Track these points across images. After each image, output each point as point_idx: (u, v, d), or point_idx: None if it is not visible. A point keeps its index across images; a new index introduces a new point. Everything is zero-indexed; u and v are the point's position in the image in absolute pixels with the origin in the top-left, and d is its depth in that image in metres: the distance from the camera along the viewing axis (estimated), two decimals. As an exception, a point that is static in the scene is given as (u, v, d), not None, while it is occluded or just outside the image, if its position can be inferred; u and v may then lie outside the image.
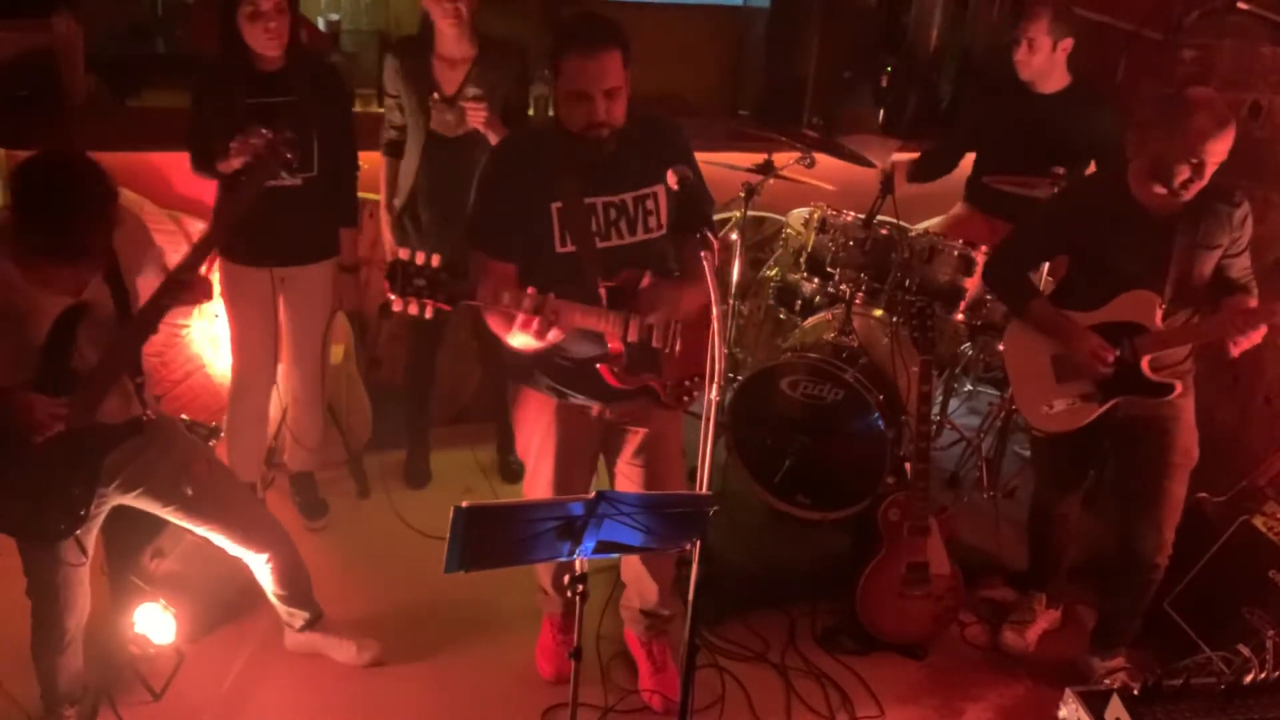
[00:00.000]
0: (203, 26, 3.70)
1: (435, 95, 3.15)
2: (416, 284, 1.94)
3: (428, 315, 1.97)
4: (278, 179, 2.58)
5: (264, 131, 2.65)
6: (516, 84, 3.27)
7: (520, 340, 2.16)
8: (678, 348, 2.40)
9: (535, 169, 2.29)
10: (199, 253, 2.34)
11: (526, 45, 3.43)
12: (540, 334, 2.11)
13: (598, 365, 2.34)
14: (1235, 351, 2.60)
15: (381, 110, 3.90)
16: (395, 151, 3.33)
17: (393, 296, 1.93)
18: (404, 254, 1.93)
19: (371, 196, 3.71)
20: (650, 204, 2.37)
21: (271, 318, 3.13)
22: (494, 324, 2.23)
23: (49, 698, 2.51)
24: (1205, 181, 2.52)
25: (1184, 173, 2.50)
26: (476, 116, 3.07)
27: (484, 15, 3.14)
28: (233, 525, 2.56)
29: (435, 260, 1.94)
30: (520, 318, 2.10)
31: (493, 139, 3.16)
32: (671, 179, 2.16)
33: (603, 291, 2.28)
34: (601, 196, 2.31)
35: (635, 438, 2.58)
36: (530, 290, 2.11)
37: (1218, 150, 2.49)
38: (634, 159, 2.29)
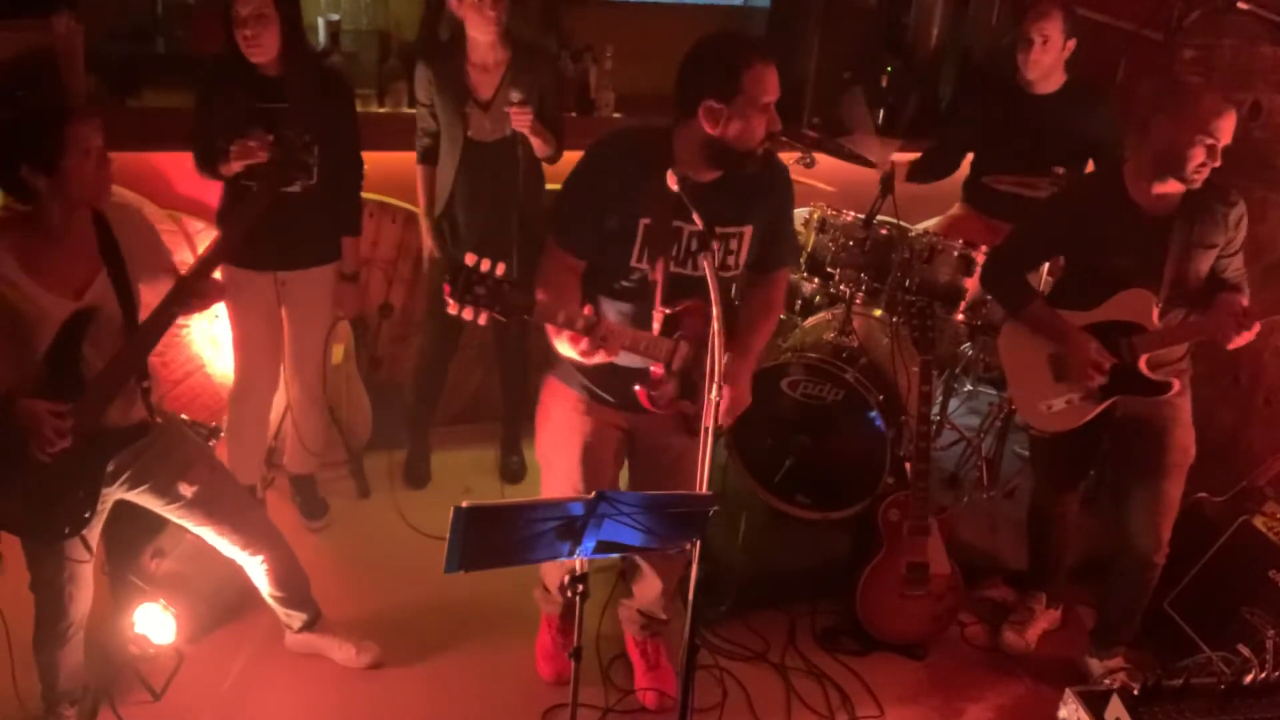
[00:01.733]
0: (203, 27, 3.70)
1: (475, 103, 3.14)
2: (477, 291, 1.92)
3: (481, 322, 1.96)
4: (292, 185, 2.57)
5: (263, 135, 2.64)
6: (551, 84, 3.27)
7: (566, 350, 2.16)
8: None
9: (635, 180, 2.25)
10: (211, 261, 2.36)
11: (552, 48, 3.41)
12: (588, 354, 2.12)
13: (636, 388, 2.32)
14: (1230, 347, 2.60)
15: (381, 110, 3.92)
16: (429, 159, 3.33)
17: (450, 300, 1.92)
18: (470, 259, 1.90)
19: (371, 197, 3.71)
20: (734, 244, 2.35)
21: (273, 321, 3.14)
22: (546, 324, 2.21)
23: (49, 695, 2.51)
24: (1219, 163, 2.52)
25: (1199, 155, 2.50)
26: (522, 121, 3.06)
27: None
28: (229, 528, 2.56)
29: (500, 269, 1.92)
30: (568, 334, 2.10)
31: (535, 142, 3.15)
32: (671, 180, 2.16)
33: (658, 316, 2.27)
34: (690, 225, 2.28)
35: (658, 450, 2.57)
36: (588, 310, 2.12)
37: (1227, 128, 2.49)
38: (735, 195, 2.27)
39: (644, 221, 2.27)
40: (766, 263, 2.49)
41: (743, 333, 2.42)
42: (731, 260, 2.36)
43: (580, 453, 2.51)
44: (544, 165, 3.33)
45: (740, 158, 2.22)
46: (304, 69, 2.93)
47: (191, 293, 2.30)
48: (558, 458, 2.56)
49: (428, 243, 3.43)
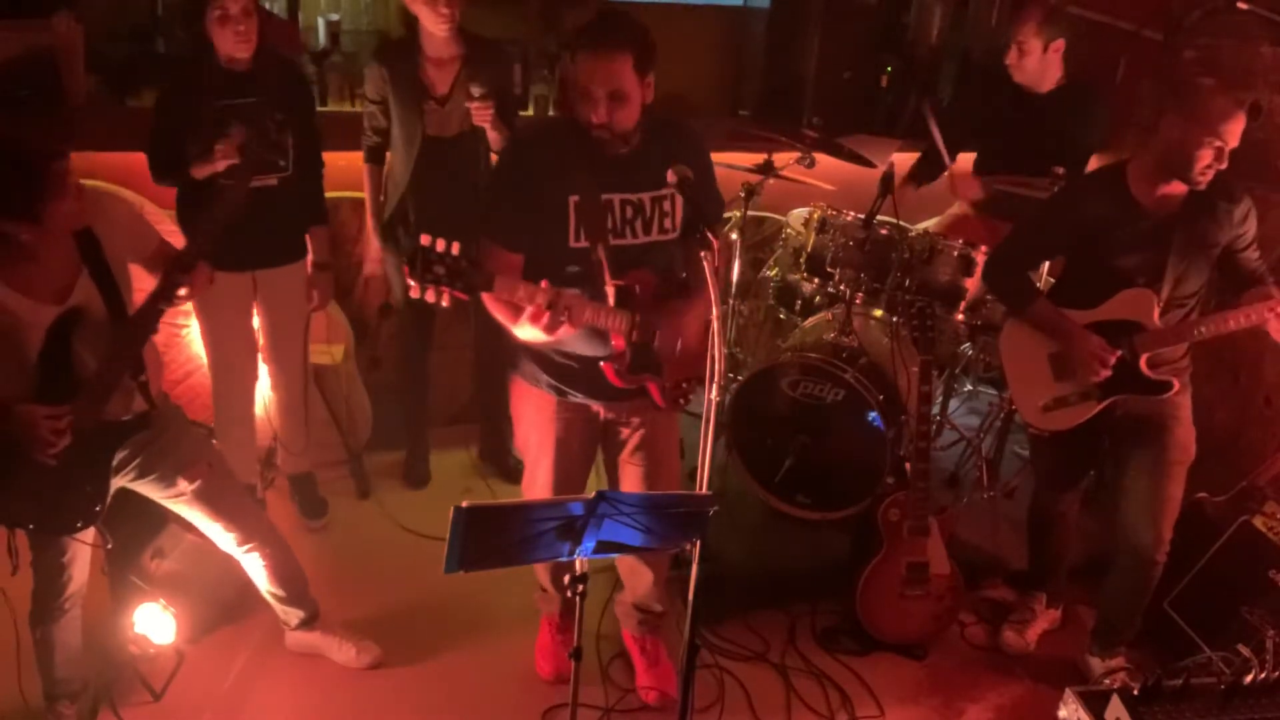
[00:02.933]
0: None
1: (433, 99, 3.15)
2: (436, 271, 1.92)
3: (444, 303, 1.96)
4: (267, 174, 2.56)
5: (244, 130, 2.63)
6: (505, 80, 3.28)
7: (528, 333, 2.16)
8: (678, 350, 2.40)
9: (555, 161, 2.28)
10: (190, 256, 2.32)
11: (517, 42, 3.40)
12: (550, 329, 2.11)
13: (601, 364, 2.34)
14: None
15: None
16: (377, 158, 3.33)
17: (411, 283, 1.91)
18: (425, 240, 1.90)
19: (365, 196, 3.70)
20: (667, 205, 2.36)
21: (248, 321, 3.13)
22: (500, 314, 2.22)
23: (48, 684, 2.52)
24: (1225, 165, 2.52)
25: (1206, 157, 2.50)
26: (483, 115, 3.06)
27: (482, 15, 3.14)
28: (227, 523, 2.57)
29: (455, 248, 1.92)
30: (531, 310, 2.09)
31: (493, 136, 3.16)
32: (671, 177, 2.17)
33: (611, 290, 2.27)
34: (619, 194, 2.30)
35: (634, 437, 2.58)
36: (544, 284, 2.10)
37: (1235, 131, 2.49)
38: (655, 160, 2.26)
39: (573, 199, 2.27)
40: (694, 226, 2.48)
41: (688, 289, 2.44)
42: (668, 223, 2.37)
43: (553, 453, 2.54)
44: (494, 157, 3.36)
45: (595, 138, 2.23)
46: (270, 62, 2.91)
47: (176, 286, 2.29)
48: (532, 458, 2.61)
49: (374, 243, 3.43)
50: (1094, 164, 3.54)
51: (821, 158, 3.68)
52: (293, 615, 2.83)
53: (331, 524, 3.49)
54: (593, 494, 1.83)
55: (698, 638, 2.10)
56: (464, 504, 1.73)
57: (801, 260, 3.72)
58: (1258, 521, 3.04)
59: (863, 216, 3.58)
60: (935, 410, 3.60)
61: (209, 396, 3.71)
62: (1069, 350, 2.79)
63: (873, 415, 3.26)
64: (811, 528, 3.43)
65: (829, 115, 4.42)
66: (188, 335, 3.64)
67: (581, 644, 2.05)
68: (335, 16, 4.04)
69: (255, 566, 2.68)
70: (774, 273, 4.03)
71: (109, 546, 2.42)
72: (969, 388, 4.35)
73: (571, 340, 2.33)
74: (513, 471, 3.84)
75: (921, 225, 3.88)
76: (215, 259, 2.98)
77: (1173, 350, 2.74)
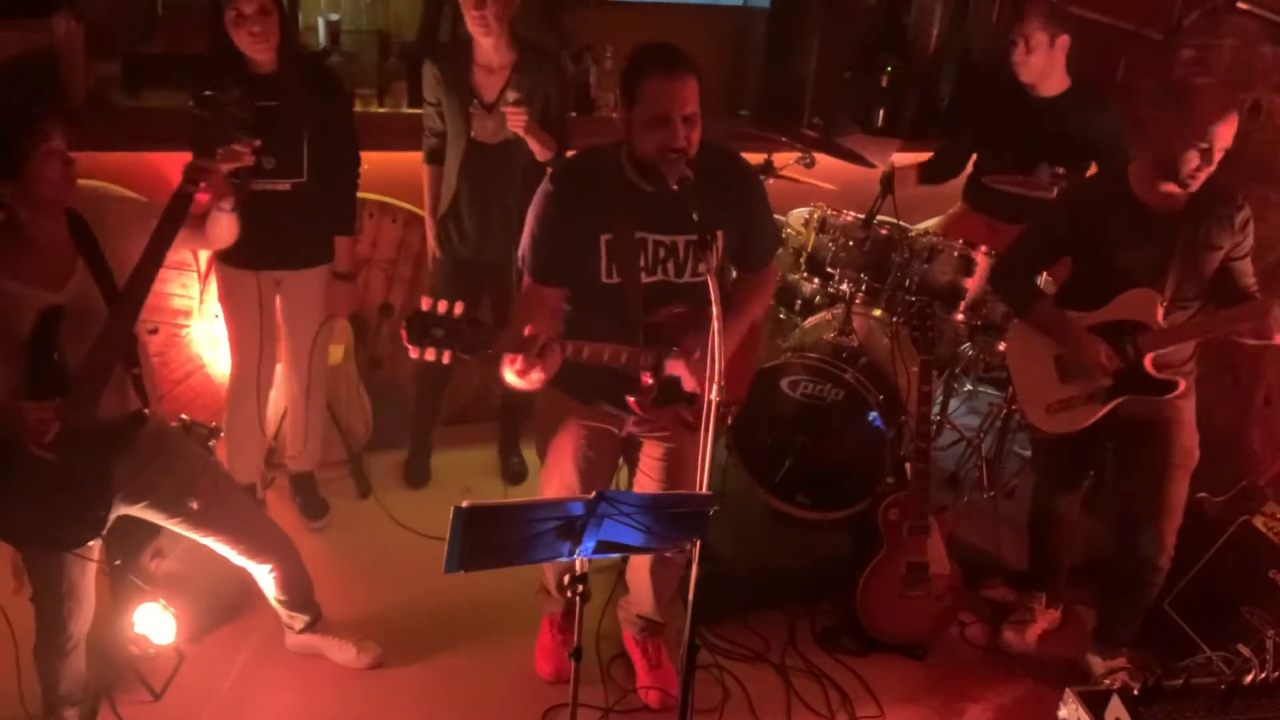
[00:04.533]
0: (189, 27, 3.72)
1: (476, 102, 3.15)
2: (434, 334, 1.91)
3: (445, 361, 1.94)
4: (264, 181, 2.53)
5: (250, 139, 2.58)
6: (556, 87, 3.25)
7: (508, 376, 2.10)
8: None
9: (592, 200, 2.27)
10: (164, 233, 2.25)
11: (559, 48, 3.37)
12: (524, 372, 2.06)
13: (628, 399, 2.33)
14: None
15: (381, 110, 3.92)
16: (436, 159, 3.33)
17: (408, 345, 1.90)
18: (425, 304, 1.90)
19: (372, 197, 3.71)
20: (702, 252, 2.30)
21: (266, 321, 3.13)
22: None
23: (50, 698, 2.51)
24: (1214, 167, 2.52)
25: (1193, 160, 2.49)
26: (516, 121, 3.04)
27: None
28: (235, 538, 2.56)
29: (458, 309, 1.91)
30: (505, 355, 2.05)
31: (532, 145, 3.13)
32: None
33: (640, 326, 2.27)
34: (653, 234, 2.30)
35: (658, 448, 2.58)
36: (527, 330, 2.06)
37: (1224, 134, 2.48)
38: (697, 203, 2.21)
39: (604, 237, 2.28)
40: (748, 260, 2.50)
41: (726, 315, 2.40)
42: (703, 267, 2.32)
43: (574, 459, 2.52)
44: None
45: (654, 170, 2.20)
46: (297, 65, 2.91)
47: (157, 263, 2.23)
48: (552, 460, 2.59)
49: (432, 243, 3.44)
50: (1094, 169, 3.54)
51: (821, 158, 3.68)
52: (298, 620, 2.82)
53: (331, 524, 3.49)
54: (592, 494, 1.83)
55: (698, 638, 2.10)
56: (464, 504, 1.73)
57: (801, 260, 3.72)
58: (1258, 521, 3.04)
59: (863, 216, 3.58)
60: (935, 410, 3.60)
61: (209, 397, 3.73)
62: (1072, 355, 2.79)
63: (873, 415, 3.26)
64: (811, 528, 3.43)
65: (829, 115, 4.43)
66: (187, 335, 3.65)
67: (582, 644, 2.05)
68: (335, 16, 4.05)
69: (264, 577, 2.68)
70: (774, 273, 4.02)
71: (118, 563, 2.39)
72: (969, 388, 4.35)
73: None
74: (515, 473, 3.84)
75: (921, 225, 3.88)
76: (234, 258, 2.98)
77: (1179, 354, 2.74)
